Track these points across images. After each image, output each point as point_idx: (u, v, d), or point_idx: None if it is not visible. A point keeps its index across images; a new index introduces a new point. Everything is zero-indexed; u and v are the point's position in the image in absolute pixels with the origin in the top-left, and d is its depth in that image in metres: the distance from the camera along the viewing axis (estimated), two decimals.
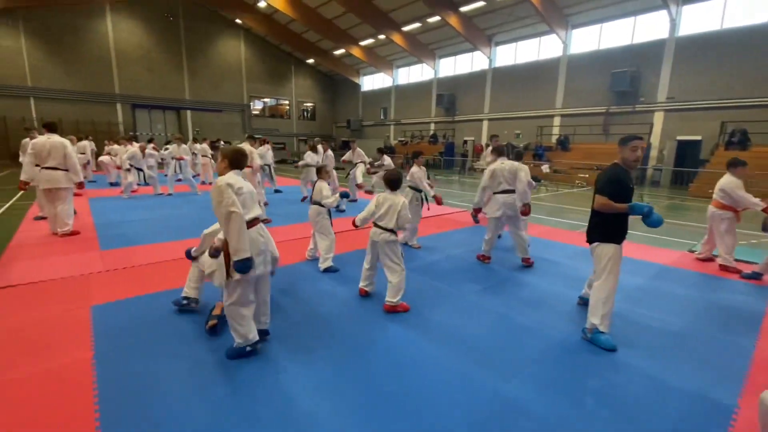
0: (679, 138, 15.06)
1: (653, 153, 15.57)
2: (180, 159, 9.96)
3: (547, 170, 15.62)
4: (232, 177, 2.42)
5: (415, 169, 5.11)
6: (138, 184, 10.69)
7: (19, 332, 2.85)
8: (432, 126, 25.10)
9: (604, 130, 16.97)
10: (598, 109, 17.07)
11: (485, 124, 22.04)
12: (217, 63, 26.99)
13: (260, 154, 8.69)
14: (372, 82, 30.14)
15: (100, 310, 3.24)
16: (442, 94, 23.20)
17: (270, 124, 30.44)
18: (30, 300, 3.42)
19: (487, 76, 21.54)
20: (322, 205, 4.24)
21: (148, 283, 3.82)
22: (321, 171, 4.40)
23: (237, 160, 2.50)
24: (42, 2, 19.66)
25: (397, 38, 21.73)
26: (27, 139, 7.41)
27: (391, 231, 3.32)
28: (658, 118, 15.54)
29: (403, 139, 26.30)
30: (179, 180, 10.51)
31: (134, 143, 10.78)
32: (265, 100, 30.34)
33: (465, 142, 22.93)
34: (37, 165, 5.50)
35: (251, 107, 29.22)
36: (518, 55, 20.23)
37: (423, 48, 23.35)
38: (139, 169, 9.06)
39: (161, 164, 11.23)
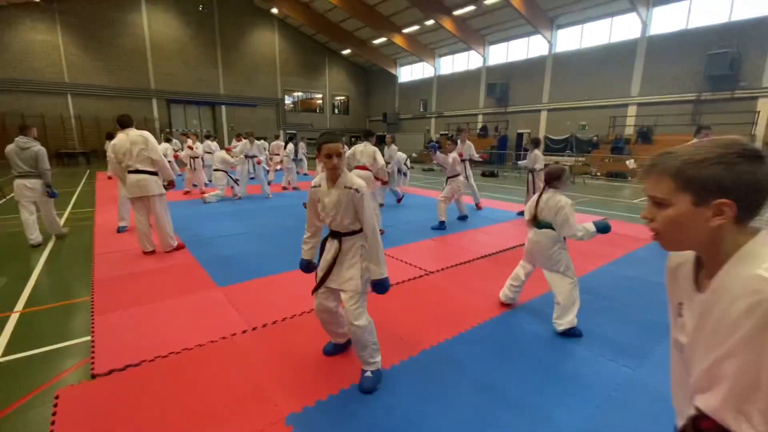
0: None
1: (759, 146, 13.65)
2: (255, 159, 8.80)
3: (633, 165, 13.92)
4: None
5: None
6: (194, 185, 9.67)
7: None
8: (480, 118, 23.47)
9: (693, 119, 15.09)
10: (687, 96, 15.20)
11: (543, 114, 20.31)
12: (251, 56, 25.94)
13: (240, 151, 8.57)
14: (410, 72, 28.61)
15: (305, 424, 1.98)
16: (494, 83, 21.51)
17: (304, 119, 29.33)
18: (173, 398, 2.14)
19: (546, 62, 19.76)
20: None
21: (317, 359, 2.53)
22: None
23: None
24: None
25: (447, 23, 20.13)
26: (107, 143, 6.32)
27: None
28: (764, 106, 13.62)
29: (446, 132, 24.74)
30: (252, 178, 9.47)
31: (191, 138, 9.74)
32: (298, 93, 29.21)
33: (520, 135, 21.23)
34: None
35: (284, 101, 28.14)
36: (585, 38, 18.39)
37: (473, 34, 21.68)
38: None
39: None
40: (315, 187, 2.20)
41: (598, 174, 15.56)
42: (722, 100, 14.41)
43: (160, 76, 22.65)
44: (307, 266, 2.36)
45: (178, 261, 4.27)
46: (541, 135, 20.21)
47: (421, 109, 27.52)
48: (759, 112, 13.60)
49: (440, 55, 25.60)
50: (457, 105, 24.85)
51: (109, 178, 11.70)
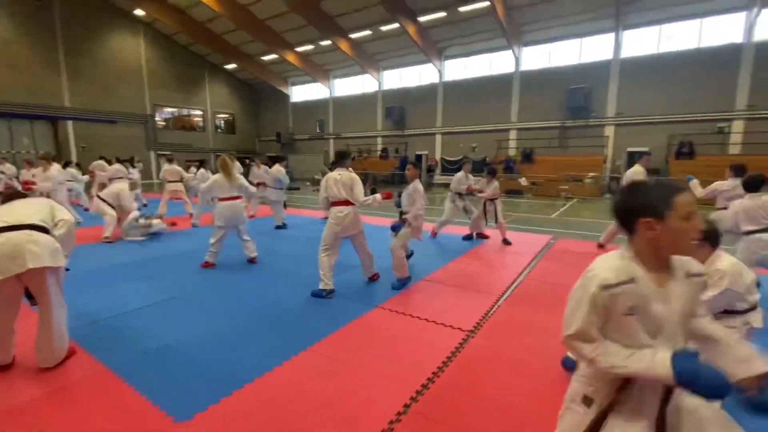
0: (629, 149, 16.45)
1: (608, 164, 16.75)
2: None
3: (526, 183, 15.56)
4: None
5: None
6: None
7: None
8: (379, 140, 23.80)
9: (561, 143, 17.80)
10: (554, 123, 17.86)
11: (438, 137, 21.59)
12: (108, 63, 21.57)
13: None
14: (303, 92, 27.63)
15: None
16: (392, 107, 22.12)
17: (181, 138, 25.55)
18: None
19: (438, 89, 21.17)
20: None
21: None
22: None
23: None
24: None
25: (343, 45, 20.00)
26: None
27: None
28: (610, 132, 16.82)
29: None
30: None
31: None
32: (172, 110, 25.42)
33: (419, 156, 22.13)
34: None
35: (155, 118, 24.11)
36: (469, 69, 20.31)
37: (368, 58, 22.03)
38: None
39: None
40: (621, 284, 1.12)
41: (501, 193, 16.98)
42: (580, 127, 17.33)
43: None
44: None
45: (78, 376, 2.56)
46: (438, 156, 21.46)
47: (318, 130, 26.69)
48: (608, 137, 16.73)
49: (335, 77, 25.36)
50: (355, 126, 24.79)
51: None
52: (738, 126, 14.53)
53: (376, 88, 23.41)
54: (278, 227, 8.00)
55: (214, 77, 27.01)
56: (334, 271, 4.11)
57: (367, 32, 19.43)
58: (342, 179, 4.05)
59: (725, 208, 4.58)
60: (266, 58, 24.15)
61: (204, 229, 7.73)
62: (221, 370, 2.59)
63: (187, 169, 10.27)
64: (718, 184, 4.65)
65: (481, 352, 2.83)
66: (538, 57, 18.28)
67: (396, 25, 17.56)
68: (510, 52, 18.18)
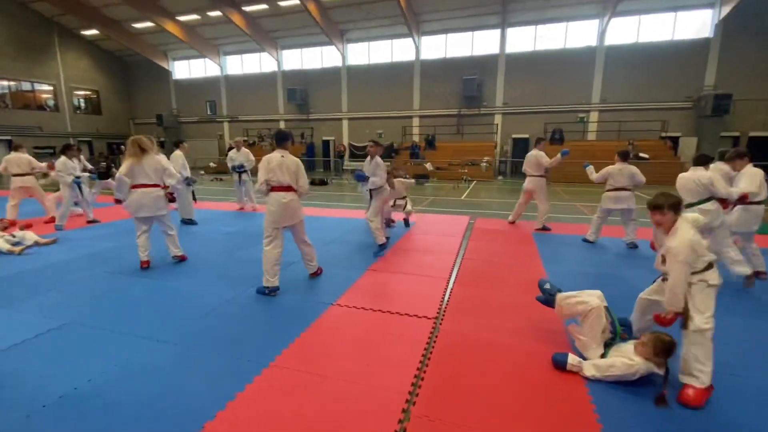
0: (514, 136, 18.53)
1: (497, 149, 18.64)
2: None
3: (431, 167, 16.39)
4: None
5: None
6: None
7: None
8: (282, 124, 22.46)
9: (458, 129, 19.15)
10: (452, 111, 19.09)
11: (345, 123, 21.31)
12: None
13: None
14: (188, 69, 24.44)
15: None
16: (294, 89, 20.97)
17: (24, 119, 20.49)
18: None
19: (341, 73, 20.75)
20: None
21: None
22: None
23: None
24: None
25: (236, 18, 18.12)
26: None
27: None
28: (498, 120, 18.67)
29: (246, 138, 22.46)
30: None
31: None
32: (8, 83, 20.13)
33: (326, 142, 21.55)
34: None
35: None
36: (372, 55, 20.32)
37: (265, 35, 20.40)
38: None
39: None
40: None
41: (409, 177, 17.54)
42: (474, 115, 18.87)
43: None
44: None
45: None
46: (345, 142, 21.23)
47: (209, 112, 24.00)
48: (497, 124, 18.55)
49: (226, 53, 22.94)
50: (253, 109, 22.94)
51: None
52: (594, 116, 17.47)
53: (275, 68, 21.91)
54: (186, 222, 6.97)
55: (67, 45, 22.07)
56: (280, 266, 3.72)
57: (263, 6, 17.91)
58: (286, 163, 3.65)
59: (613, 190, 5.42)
60: (138, 25, 20.60)
61: (76, 232, 6.31)
62: (161, 414, 2.05)
63: (36, 157, 8.12)
64: (609, 168, 5.45)
65: (454, 338, 2.84)
66: (436, 47, 19.17)
67: (296, 1, 16.52)
68: (410, 40, 18.69)
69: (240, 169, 8.17)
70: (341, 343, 2.77)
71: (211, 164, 18.59)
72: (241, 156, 8.23)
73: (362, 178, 5.01)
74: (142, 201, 4.30)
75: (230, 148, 9.03)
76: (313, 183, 14.93)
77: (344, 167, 19.73)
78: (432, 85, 19.28)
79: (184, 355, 2.64)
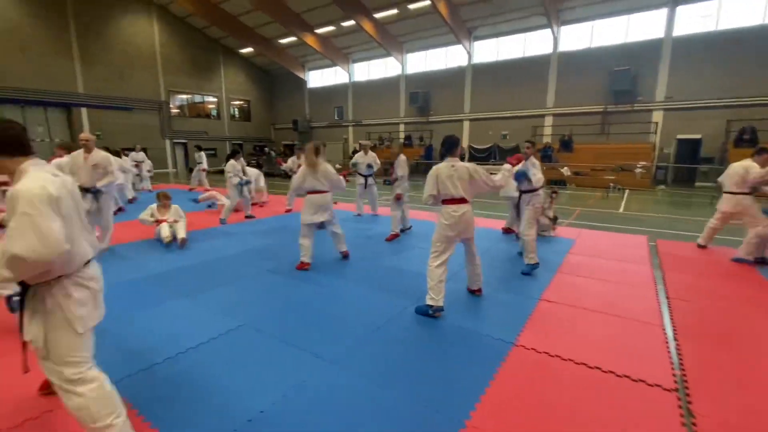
0: (679, 137, 15.23)
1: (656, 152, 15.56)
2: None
3: (568, 173, 14.50)
4: None
5: None
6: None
7: None
8: (402, 127, 22.71)
9: (602, 129, 16.60)
10: (596, 107, 16.63)
11: (466, 124, 20.47)
12: (122, 48, 20.67)
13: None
14: (321, 77, 26.53)
15: None
16: (416, 92, 20.96)
17: (196, 126, 24.74)
18: None
19: (466, 72, 19.96)
20: None
21: None
22: None
23: None
24: None
25: (367, 25, 18.82)
26: None
27: None
28: (658, 118, 15.57)
29: (365, 142, 23.31)
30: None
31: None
32: (186, 96, 24.51)
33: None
34: None
35: (169, 105, 23.26)
36: (501, 50, 19.03)
37: (392, 40, 20.82)
38: None
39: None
40: None
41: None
42: (625, 112, 16.09)
43: None
44: None
45: None
46: (465, 144, 20.35)
47: (337, 117, 25.66)
48: (657, 123, 15.49)
49: (354, 61, 24.18)
50: (376, 113, 23.70)
51: None
52: None
53: (399, 72, 22.23)
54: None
55: (229, 62, 26.00)
56: (445, 283, 3.30)
57: (393, 11, 18.22)
58: (458, 172, 3.25)
59: None
60: (284, 41, 23.04)
61: (237, 226, 6.92)
62: None
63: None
64: None
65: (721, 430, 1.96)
66: (579, 37, 16.94)
67: (426, 3, 16.34)
68: (548, 31, 16.87)
69: (368, 173, 7.91)
70: (548, 411, 2.13)
71: (337, 166, 19.71)
72: (368, 158, 8.02)
73: (523, 176, 4.41)
74: (315, 205, 4.45)
75: (355, 151, 9.05)
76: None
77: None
78: (571, 80, 17.11)
79: (361, 389, 2.32)
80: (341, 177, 4.58)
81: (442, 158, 3.46)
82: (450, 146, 3.42)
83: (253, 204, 8.37)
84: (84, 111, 19.63)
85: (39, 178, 1.48)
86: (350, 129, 25.25)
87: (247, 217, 7.74)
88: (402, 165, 5.95)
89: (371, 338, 2.91)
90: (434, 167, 3.41)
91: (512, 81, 18.59)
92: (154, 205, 5.90)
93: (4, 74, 16.78)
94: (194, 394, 2.25)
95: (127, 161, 9.90)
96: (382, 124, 23.39)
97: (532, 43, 18.12)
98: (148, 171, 11.93)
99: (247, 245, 5.63)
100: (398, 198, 5.92)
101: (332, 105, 25.77)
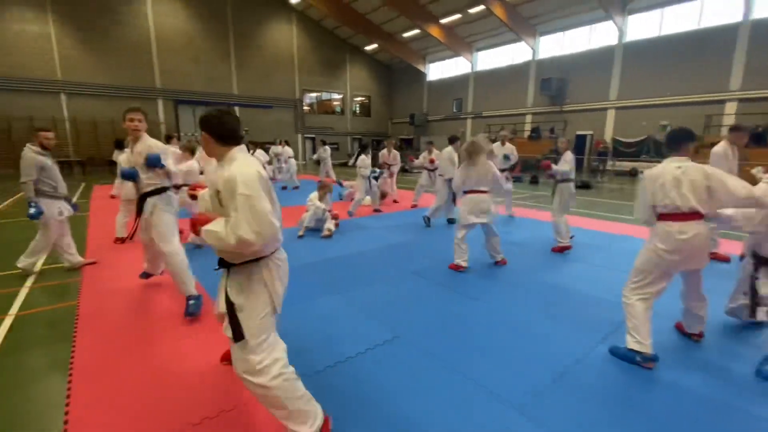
0: None
1: None
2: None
3: (761, 174, 11.17)
4: None
5: None
6: None
7: None
8: (528, 118, 20.76)
9: None
10: None
11: (611, 113, 17.60)
12: (267, 52, 23.25)
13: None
14: (441, 69, 25.94)
15: None
16: (548, 78, 18.83)
17: (325, 122, 26.61)
18: None
19: (615, 53, 17.08)
20: None
21: None
22: None
23: None
24: None
25: (497, 9, 17.48)
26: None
27: None
28: None
29: (504, 132, 21.99)
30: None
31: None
32: (316, 94, 26.46)
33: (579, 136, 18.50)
34: None
35: (302, 102, 25.43)
36: (665, 23, 15.73)
37: (522, 23, 19.04)
38: None
39: None
40: None
41: None
42: None
43: (167, 74, 19.96)
44: None
45: None
46: (608, 137, 17.55)
47: (455, 110, 24.82)
48: None
49: (478, 49, 22.94)
50: (498, 104, 22.15)
51: (113, 197, 9.07)
52: None
53: (530, 57, 20.26)
54: (451, 221, 6.69)
55: (354, 60, 27.24)
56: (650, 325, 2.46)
57: None
58: (689, 177, 2.33)
59: None
60: (407, 35, 23.06)
61: (365, 220, 6.83)
62: None
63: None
64: None
65: None
66: None
67: None
68: None
69: (505, 166, 7.09)
70: None
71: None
72: (504, 150, 7.18)
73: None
74: (477, 206, 4.06)
75: None
76: (577, 187, 12.76)
77: (607, 167, 16.31)
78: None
79: None
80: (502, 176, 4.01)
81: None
82: (678, 139, 2.50)
83: (381, 197, 8.32)
84: (237, 110, 22.70)
85: (249, 162, 1.62)
86: (468, 121, 24.15)
87: (375, 210, 7.70)
88: (569, 161, 4.98)
89: (558, 383, 2.27)
90: (647, 171, 2.55)
91: (678, 59, 15.23)
92: (315, 193, 6.08)
93: (183, 81, 20.37)
94: (365, 414, 1.95)
95: (263, 155, 10.85)
96: (504, 115, 21.75)
97: (707, 14, 14.52)
98: (285, 163, 13.02)
99: (383, 241, 5.44)
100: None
101: (451, 97, 24.99)
